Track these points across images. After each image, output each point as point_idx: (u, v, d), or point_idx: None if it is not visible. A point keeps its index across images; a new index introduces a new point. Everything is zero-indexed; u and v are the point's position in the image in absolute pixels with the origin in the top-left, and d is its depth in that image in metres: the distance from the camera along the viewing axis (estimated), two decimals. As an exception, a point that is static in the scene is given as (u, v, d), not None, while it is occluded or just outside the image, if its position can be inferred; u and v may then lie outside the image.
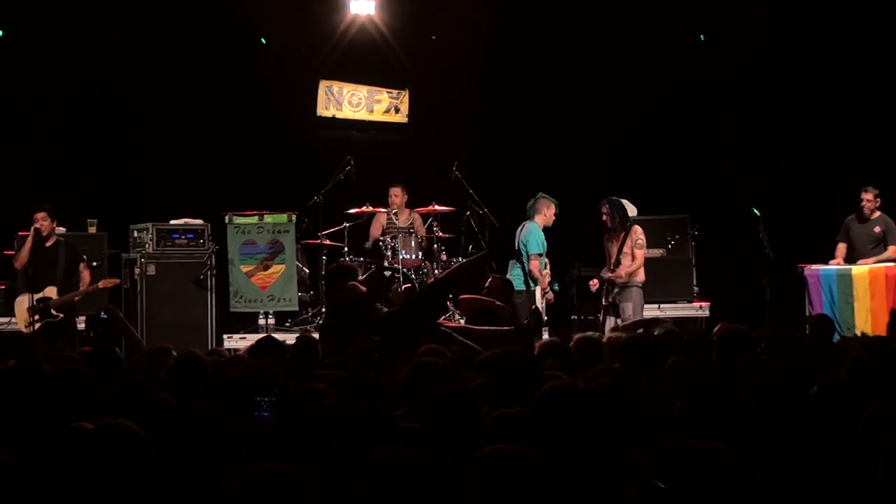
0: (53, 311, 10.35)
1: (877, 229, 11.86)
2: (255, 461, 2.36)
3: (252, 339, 10.11)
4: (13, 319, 10.71)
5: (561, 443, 3.53)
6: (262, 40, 13.80)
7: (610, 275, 10.77)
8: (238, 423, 3.49)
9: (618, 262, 10.78)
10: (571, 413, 3.60)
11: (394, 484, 3.13)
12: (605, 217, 10.97)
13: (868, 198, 11.80)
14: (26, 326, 10.34)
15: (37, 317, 10.29)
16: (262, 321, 12.32)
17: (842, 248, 11.93)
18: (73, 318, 10.56)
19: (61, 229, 11.14)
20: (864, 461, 3.37)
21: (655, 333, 7.26)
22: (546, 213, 11.22)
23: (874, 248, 11.82)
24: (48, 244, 10.47)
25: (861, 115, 13.15)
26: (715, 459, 3.08)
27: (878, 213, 11.90)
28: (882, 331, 10.12)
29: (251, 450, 3.26)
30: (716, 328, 6.73)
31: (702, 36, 13.95)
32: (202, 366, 5.47)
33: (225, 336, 11.86)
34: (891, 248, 11.74)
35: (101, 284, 10.76)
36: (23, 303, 10.41)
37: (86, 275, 10.62)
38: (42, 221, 10.39)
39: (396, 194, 12.70)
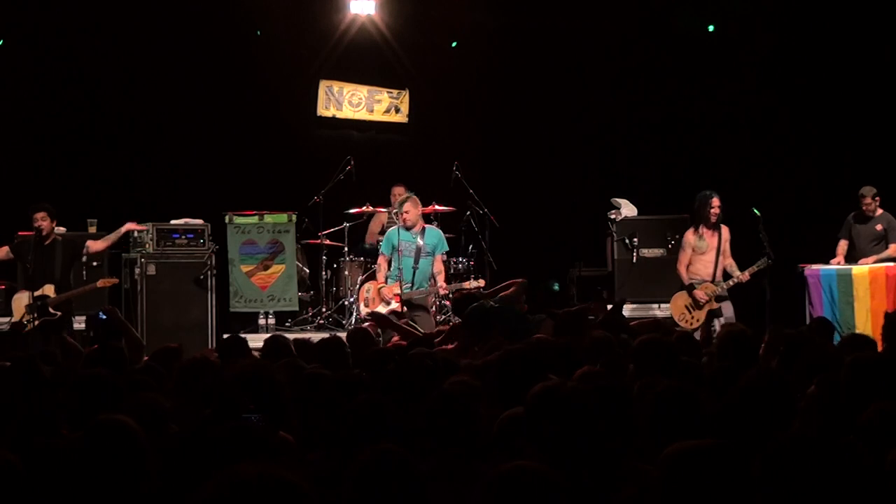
0: (51, 310, 10.35)
1: (878, 227, 11.80)
2: (242, 463, 2.33)
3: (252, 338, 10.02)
4: (12, 319, 10.71)
5: (553, 443, 3.51)
6: (258, 32, 13.75)
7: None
8: (230, 426, 3.47)
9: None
10: (563, 413, 3.59)
11: (378, 483, 3.12)
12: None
13: (866, 201, 11.74)
14: (25, 324, 10.34)
15: (35, 314, 10.29)
16: (262, 321, 12.33)
17: (843, 245, 11.86)
18: (69, 316, 10.57)
19: (61, 229, 11.13)
20: (864, 461, 3.36)
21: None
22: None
23: (876, 246, 11.77)
24: (47, 243, 10.49)
25: (861, 115, 13.13)
26: (715, 459, 3.06)
27: (880, 211, 11.84)
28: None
29: (242, 451, 3.24)
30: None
31: (710, 27, 13.93)
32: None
33: (225, 336, 11.83)
34: (892, 247, 11.69)
35: (99, 283, 10.76)
36: (20, 300, 10.42)
37: (96, 245, 10.71)
38: (41, 221, 10.40)
39: (400, 193, 12.67)
